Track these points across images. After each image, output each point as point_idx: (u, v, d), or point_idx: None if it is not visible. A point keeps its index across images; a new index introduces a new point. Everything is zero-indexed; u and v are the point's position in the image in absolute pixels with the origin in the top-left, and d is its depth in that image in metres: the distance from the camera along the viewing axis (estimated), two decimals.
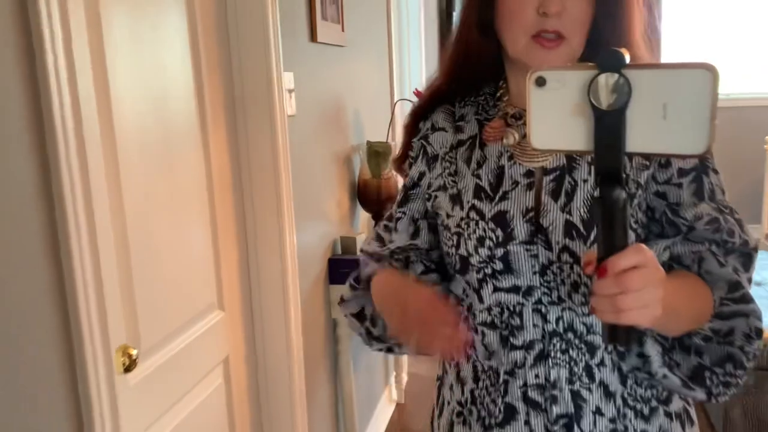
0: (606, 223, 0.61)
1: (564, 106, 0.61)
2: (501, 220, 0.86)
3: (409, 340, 0.79)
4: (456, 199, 0.90)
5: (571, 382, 0.85)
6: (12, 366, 0.91)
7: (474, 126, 0.94)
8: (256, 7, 1.57)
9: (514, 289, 0.86)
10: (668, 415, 0.89)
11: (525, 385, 0.87)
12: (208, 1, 1.51)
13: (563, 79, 0.61)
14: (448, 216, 0.91)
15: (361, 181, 2.36)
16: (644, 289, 0.61)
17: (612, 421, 0.86)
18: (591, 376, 0.86)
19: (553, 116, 0.62)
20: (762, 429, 2.33)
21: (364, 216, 2.47)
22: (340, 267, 2.10)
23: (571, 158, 0.86)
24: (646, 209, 0.86)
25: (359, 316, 0.96)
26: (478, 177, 0.89)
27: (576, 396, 0.85)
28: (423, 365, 3.24)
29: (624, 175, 0.61)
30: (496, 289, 0.87)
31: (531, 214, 0.85)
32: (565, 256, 0.84)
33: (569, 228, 0.83)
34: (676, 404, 0.90)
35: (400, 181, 1.03)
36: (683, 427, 0.90)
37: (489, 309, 0.88)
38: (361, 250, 1.02)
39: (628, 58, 0.58)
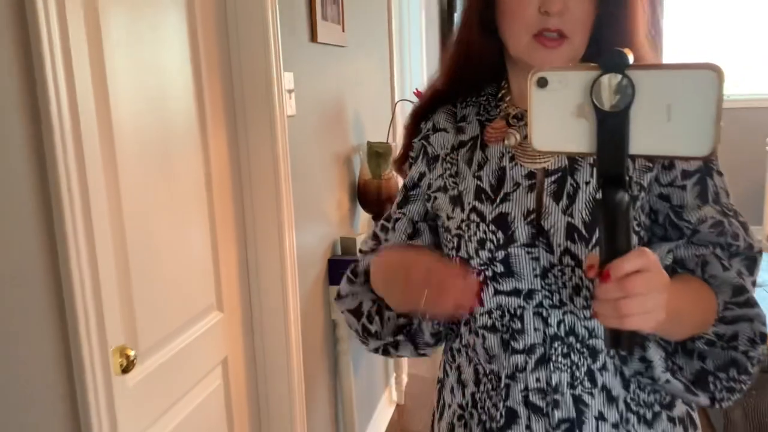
0: (608, 227, 0.60)
1: (566, 108, 0.60)
2: (502, 222, 0.85)
3: (419, 303, 0.75)
4: (456, 201, 0.90)
5: (572, 386, 0.85)
6: (8, 367, 0.91)
7: (475, 127, 0.93)
8: (255, 7, 1.57)
9: (515, 292, 0.85)
10: (671, 420, 0.88)
11: (526, 389, 0.86)
12: (208, 1, 1.51)
13: (565, 80, 0.60)
14: (449, 218, 0.90)
15: (362, 181, 2.35)
16: (647, 294, 0.61)
17: (615, 426, 0.85)
18: (593, 381, 0.85)
19: (555, 117, 0.61)
20: (763, 431, 2.32)
21: (364, 217, 2.46)
22: (340, 268, 2.09)
23: (573, 159, 0.85)
24: (649, 212, 0.86)
25: (356, 312, 0.95)
26: (479, 178, 0.89)
27: (578, 401, 0.85)
28: (423, 366, 3.24)
29: (627, 178, 0.59)
30: (496, 292, 0.86)
31: (532, 216, 0.84)
32: (567, 259, 0.83)
33: (571, 230, 0.82)
34: (679, 409, 0.89)
35: (401, 182, 1.02)
36: None
37: (489, 312, 0.87)
38: (360, 251, 1.01)
39: (631, 59, 0.57)
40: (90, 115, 1.06)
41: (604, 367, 0.85)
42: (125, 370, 1.14)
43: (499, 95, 0.93)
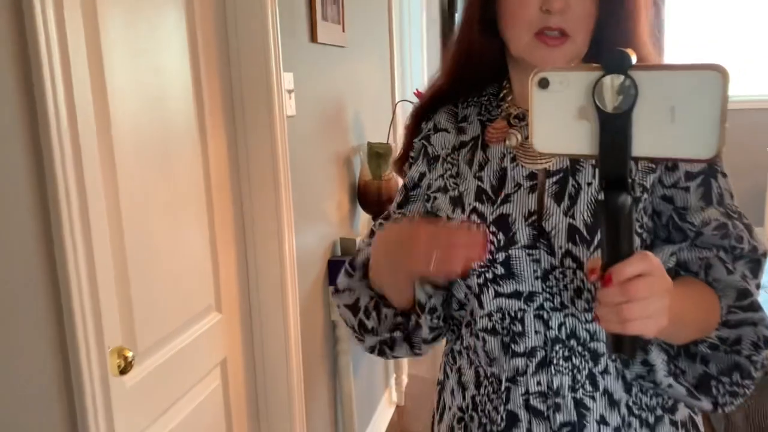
0: (611, 230, 0.59)
1: (568, 109, 0.59)
2: (503, 223, 0.84)
3: (428, 266, 0.74)
4: (457, 202, 0.89)
5: (573, 389, 0.84)
6: (4, 367, 0.90)
7: (476, 127, 0.92)
8: (255, 7, 1.56)
9: (516, 295, 0.84)
10: (674, 423, 0.87)
11: (527, 392, 0.85)
12: (208, 1, 1.50)
13: (567, 81, 0.59)
14: (449, 218, 0.90)
15: (362, 182, 2.34)
16: (650, 299, 0.60)
17: (617, 430, 0.84)
18: (594, 384, 0.84)
19: (557, 119, 0.60)
20: None
21: (364, 217, 2.45)
22: (340, 268, 2.08)
23: (575, 160, 0.85)
24: (651, 213, 0.85)
25: (353, 307, 0.93)
26: (480, 179, 0.88)
27: (579, 404, 0.84)
28: (423, 366, 3.23)
29: (629, 181, 0.59)
30: (497, 295, 0.85)
31: (533, 217, 0.83)
32: (568, 261, 0.82)
33: (572, 232, 0.82)
34: (682, 413, 0.88)
35: (401, 183, 1.01)
36: None
37: (490, 315, 0.87)
38: (358, 250, 1.00)
39: (634, 59, 0.56)
40: (88, 114, 1.05)
41: (605, 371, 0.84)
42: (123, 372, 1.14)
43: (501, 95, 0.93)
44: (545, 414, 0.84)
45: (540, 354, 0.84)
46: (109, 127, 1.14)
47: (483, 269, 0.85)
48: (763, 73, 4.80)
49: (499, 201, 0.85)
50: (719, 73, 0.54)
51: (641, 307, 0.59)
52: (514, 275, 0.84)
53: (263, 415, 1.79)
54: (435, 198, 0.93)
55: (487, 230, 0.84)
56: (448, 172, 0.91)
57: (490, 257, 0.84)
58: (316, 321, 2.03)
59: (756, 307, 0.78)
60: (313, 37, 1.93)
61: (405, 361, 3.02)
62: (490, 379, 0.88)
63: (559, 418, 0.84)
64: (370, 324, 0.92)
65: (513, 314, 0.85)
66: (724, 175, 0.83)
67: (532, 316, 0.84)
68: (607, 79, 0.57)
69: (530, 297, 0.84)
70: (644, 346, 0.77)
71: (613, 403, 0.84)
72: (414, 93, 2.86)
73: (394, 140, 2.57)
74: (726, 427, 2.37)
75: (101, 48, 1.12)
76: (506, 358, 0.86)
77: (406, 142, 0.98)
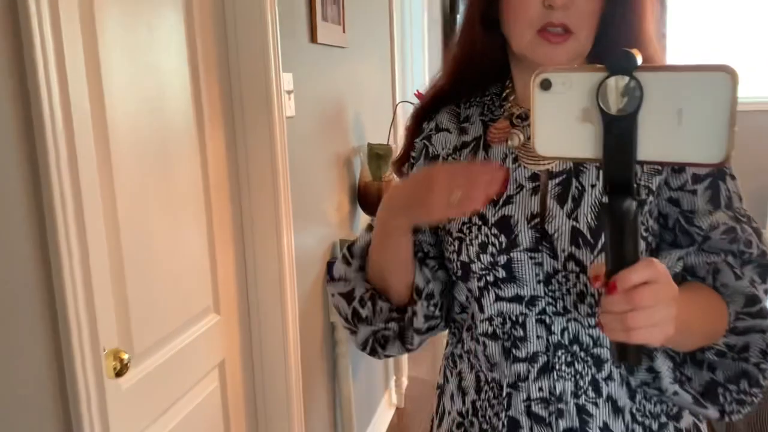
0: (615, 236, 0.58)
1: (570, 111, 0.58)
2: (505, 225, 0.83)
3: (448, 207, 0.74)
4: None
5: (576, 395, 0.82)
6: None
7: (479, 127, 0.90)
8: (254, 7, 1.55)
9: (517, 299, 0.83)
10: (678, 431, 0.86)
11: (528, 398, 0.83)
12: (207, 1, 1.49)
13: (570, 82, 0.57)
14: (449, 220, 0.88)
15: (362, 183, 2.34)
16: (656, 307, 0.58)
17: None
18: (597, 391, 0.82)
19: (559, 121, 0.59)
20: None
21: (364, 219, 2.44)
22: None
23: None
24: (657, 216, 0.83)
25: (348, 296, 0.91)
26: None
27: (581, 410, 0.82)
28: (423, 368, 3.22)
29: (635, 185, 0.57)
30: (498, 298, 0.84)
31: (536, 220, 0.82)
32: (571, 265, 0.80)
33: (576, 235, 0.80)
34: (686, 420, 0.87)
35: None
36: None
37: (490, 319, 0.85)
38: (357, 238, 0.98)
39: (640, 60, 0.55)
40: (84, 115, 1.04)
41: (609, 377, 0.82)
42: (119, 374, 1.13)
43: (503, 95, 0.91)
44: (547, 420, 0.83)
45: (542, 359, 0.83)
46: (106, 128, 1.13)
47: (484, 272, 0.84)
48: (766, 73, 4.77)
49: (501, 202, 0.84)
50: (728, 74, 0.52)
51: (647, 315, 0.58)
52: (516, 279, 0.83)
53: (262, 418, 1.78)
54: None
55: (507, 167, 0.84)
56: None
57: (492, 260, 0.83)
58: (315, 323, 2.02)
59: (765, 314, 0.76)
60: (313, 38, 1.92)
61: (405, 363, 3.01)
62: (491, 384, 0.87)
63: (562, 424, 0.82)
64: (364, 313, 0.90)
65: (514, 318, 0.84)
66: (733, 178, 0.81)
67: (533, 321, 0.83)
68: (612, 81, 0.55)
69: (532, 301, 0.83)
70: (650, 353, 0.75)
71: (616, 410, 0.83)
72: (415, 94, 2.84)
73: (394, 141, 2.56)
74: (727, 431, 2.36)
75: (98, 48, 1.11)
76: (507, 364, 0.84)
77: (407, 142, 0.97)
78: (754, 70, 4.72)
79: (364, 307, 0.90)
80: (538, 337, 0.82)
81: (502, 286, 0.83)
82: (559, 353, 0.82)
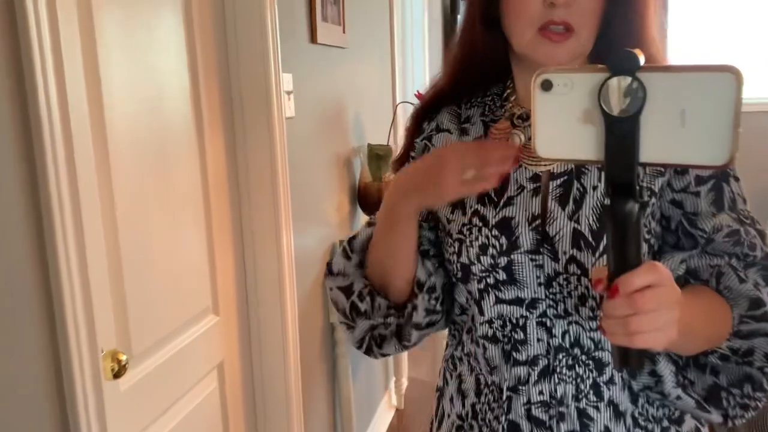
0: (617, 239, 0.57)
1: (572, 112, 0.57)
2: (505, 227, 0.82)
3: (460, 186, 0.75)
4: (457, 204, 0.87)
5: (577, 399, 0.81)
6: None
7: (479, 128, 0.89)
8: (254, 7, 1.55)
9: (517, 301, 0.82)
10: None
11: (529, 402, 0.83)
12: (206, 1, 1.48)
13: (571, 83, 0.57)
14: (448, 221, 0.87)
15: (362, 184, 2.33)
16: (659, 311, 0.57)
17: None
18: (599, 394, 0.82)
19: (560, 123, 0.58)
20: None
21: (364, 219, 2.44)
22: None
23: None
24: (660, 218, 0.82)
25: (347, 290, 0.90)
26: None
27: (582, 414, 0.82)
28: (423, 369, 3.21)
29: (637, 187, 0.56)
30: (498, 301, 0.83)
31: (537, 221, 0.81)
32: (573, 268, 0.79)
33: (577, 237, 0.79)
34: (688, 424, 0.86)
35: None
36: None
37: (490, 322, 0.84)
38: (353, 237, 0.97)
39: (642, 60, 0.54)
40: (82, 115, 1.04)
41: (610, 381, 0.82)
42: (117, 375, 1.13)
43: (504, 95, 0.90)
44: (547, 424, 0.82)
45: (542, 363, 0.82)
46: (105, 129, 1.13)
47: (484, 274, 0.83)
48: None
49: (501, 203, 0.83)
50: (732, 74, 0.51)
51: (649, 319, 0.57)
52: (516, 281, 0.82)
53: (261, 419, 1.77)
54: None
55: (515, 143, 0.84)
56: None
57: (492, 262, 0.82)
58: (315, 324, 2.01)
59: None
60: (313, 38, 1.91)
61: (405, 365, 3.01)
62: (491, 388, 0.86)
63: (562, 428, 0.81)
64: (363, 307, 0.89)
65: (514, 321, 0.83)
66: (737, 179, 0.80)
67: (534, 324, 0.82)
68: (614, 81, 0.54)
69: (532, 304, 0.82)
70: (652, 357, 0.74)
71: (618, 414, 0.82)
72: (415, 95, 2.84)
73: (394, 142, 2.55)
74: None
75: (97, 49, 1.10)
76: (507, 367, 0.83)
77: (407, 142, 0.96)
78: (758, 70, 4.69)
79: (363, 302, 0.89)
80: (538, 340, 0.82)
81: (502, 288, 0.83)
82: (560, 356, 0.81)
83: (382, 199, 0.86)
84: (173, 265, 1.35)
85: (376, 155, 2.28)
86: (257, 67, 1.57)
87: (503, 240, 0.82)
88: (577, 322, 0.81)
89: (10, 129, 0.90)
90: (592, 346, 0.81)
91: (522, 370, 0.82)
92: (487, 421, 0.87)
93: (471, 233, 0.84)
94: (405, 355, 3.01)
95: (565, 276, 0.80)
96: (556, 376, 0.81)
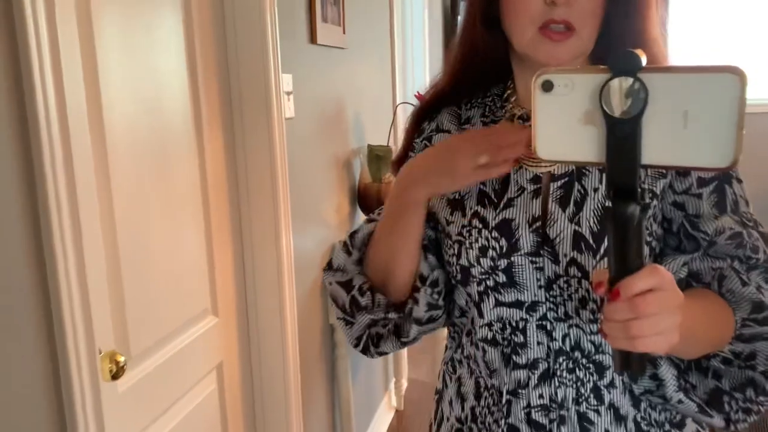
0: (619, 242, 0.56)
1: (573, 113, 0.56)
2: (505, 228, 0.81)
3: (474, 171, 0.75)
4: (456, 205, 0.86)
5: (577, 402, 0.81)
6: None
7: (480, 129, 0.89)
8: (254, 7, 1.54)
9: (517, 304, 0.82)
10: None
11: (528, 405, 0.82)
12: (206, 1, 1.48)
13: (572, 84, 0.56)
14: (448, 222, 0.87)
15: (362, 185, 2.33)
16: (660, 315, 0.56)
17: None
18: (599, 398, 0.81)
19: (561, 124, 0.57)
20: None
21: (364, 220, 2.43)
22: None
23: None
24: (662, 220, 0.81)
25: (347, 285, 0.90)
26: (482, 182, 0.85)
27: (582, 418, 0.81)
28: (423, 371, 3.21)
29: (639, 190, 0.55)
30: (498, 303, 0.83)
31: (538, 223, 0.80)
32: (573, 270, 0.79)
33: (578, 240, 0.78)
34: (689, 428, 0.86)
35: None
36: None
37: (490, 324, 0.84)
38: (357, 229, 0.97)
39: (644, 60, 0.53)
40: (81, 115, 1.03)
41: (611, 384, 0.81)
42: (115, 376, 1.12)
43: (505, 95, 0.89)
44: (547, 428, 0.81)
45: (542, 366, 0.81)
46: (103, 129, 1.12)
47: (484, 276, 0.82)
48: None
49: (501, 205, 0.82)
50: (736, 75, 0.50)
51: (651, 323, 0.56)
52: (516, 284, 0.81)
53: (260, 420, 1.77)
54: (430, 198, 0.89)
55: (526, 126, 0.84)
56: None
57: (492, 264, 0.81)
58: (314, 325, 2.01)
59: None
60: (313, 39, 1.91)
61: (404, 366, 3.00)
62: (491, 391, 0.86)
63: (564, 430, 0.81)
64: (363, 301, 0.88)
65: (514, 324, 0.82)
66: (740, 181, 0.79)
67: (534, 327, 0.81)
68: (615, 82, 0.53)
69: (533, 306, 0.81)
70: (653, 361, 0.74)
71: (619, 417, 0.81)
72: (415, 95, 2.83)
73: (394, 143, 2.55)
74: None
75: (96, 49, 1.10)
76: (507, 370, 0.83)
77: (406, 142, 0.95)
78: (762, 70, 4.66)
79: (364, 296, 0.88)
80: (538, 343, 0.81)
81: (502, 290, 0.82)
82: (560, 360, 0.81)
83: (383, 199, 0.85)
84: (172, 266, 1.35)
85: (376, 156, 2.28)
86: (257, 68, 1.57)
87: (503, 242, 0.81)
88: (577, 326, 0.80)
89: (8, 128, 0.90)
90: (593, 350, 0.80)
91: (522, 374, 0.82)
92: (486, 424, 0.86)
93: (471, 235, 0.83)
94: (405, 356, 3.01)
95: (565, 279, 0.79)
96: (556, 379, 0.81)
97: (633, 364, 0.59)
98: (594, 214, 0.79)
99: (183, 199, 1.39)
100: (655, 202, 0.80)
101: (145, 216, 1.25)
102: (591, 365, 0.80)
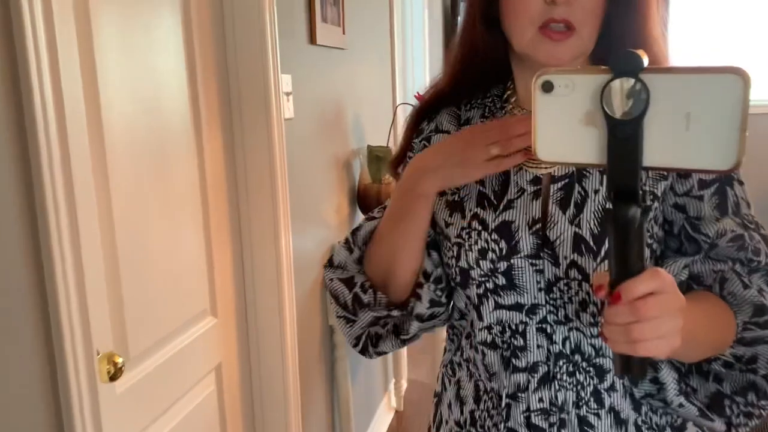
0: (620, 244, 0.56)
1: (573, 114, 0.56)
2: (505, 230, 0.81)
3: (484, 164, 0.75)
4: (456, 207, 0.85)
5: (578, 406, 0.80)
6: None
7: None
8: (253, 8, 1.54)
9: (517, 307, 0.81)
10: None
11: (528, 409, 0.81)
12: (204, 1, 1.47)
13: (572, 84, 0.55)
14: (447, 224, 0.86)
15: (361, 185, 2.32)
16: (662, 318, 0.56)
17: None
18: (600, 402, 0.80)
19: (561, 125, 0.56)
20: None
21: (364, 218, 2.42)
22: None
23: None
24: (663, 223, 0.80)
25: (348, 282, 0.89)
26: (482, 183, 0.84)
27: (582, 422, 0.80)
28: (423, 371, 3.20)
29: (640, 192, 0.55)
30: (497, 306, 0.82)
31: (538, 225, 0.80)
32: (573, 273, 0.78)
33: (578, 242, 0.78)
34: None
35: None
36: None
37: (489, 327, 0.83)
38: (354, 231, 0.96)
39: (646, 61, 0.52)
40: (79, 115, 1.03)
41: (611, 388, 0.80)
42: (113, 378, 1.11)
43: (505, 96, 0.89)
44: None
45: (542, 369, 0.80)
46: (102, 129, 1.12)
47: (483, 279, 0.82)
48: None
49: (501, 207, 0.82)
50: (739, 76, 0.50)
51: (652, 327, 0.56)
52: (516, 286, 0.81)
53: (259, 421, 1.76)
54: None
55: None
56: None
57: (491, 266, 0.81)
58: (314, 326, 2.00)
59: None
60: (312, 39, 1.90)
61: (404, 366, 2.99)
62: (490, 394, 0.85)
63: None
64: (366, 298, 0.88)
65: (514, 327, 0.82)
66: (741, 183, 0.79)
67: (534, 330, 0.80)
68: (617, 83, 0.53)
69: (532, 309, 0.80)
70: (654, 365, 0.73)
71: (619, 421, 0.80)
72: (415, 96, 2.83)
73: (394, 143, 2.54)
74: None
75: (94, 49, 1.09)
76: (506, 373, 0.82)
77: (404, 142, 0.95)
78: (765, 70, 4.64)
79: (366, 293, 0.88)
80: (538, 346, 0.80)
81: (501, 293, 0.81)
82: (560, 363, 0.80)
83: (382, 200, 0.85)
84: (171, 267, 1.34)
85: (376, 157, 2.27)
86: (256, 68, 1.56)
87: (503, 244, 0.80)
88: (577, 329, 0.79)
89: (5, 128, 0.89)
90: (593, 353, 0.80)
91: (521, 377, 0.81)
92: (486, 428, 0.86)
93: (470, 237, 0.82)
94: (404, 356, 3.00)
95: (565, 281, 0.79)
96: (556, 382, 0.80)
97: (634, 367, 0.58)
98: (594, 216, 0.78)
99: (182, 200, 1.39)
100: (656, 204, 0.79)
101: (143, 216, 1.24)
102: (591, 368, 0.80)
